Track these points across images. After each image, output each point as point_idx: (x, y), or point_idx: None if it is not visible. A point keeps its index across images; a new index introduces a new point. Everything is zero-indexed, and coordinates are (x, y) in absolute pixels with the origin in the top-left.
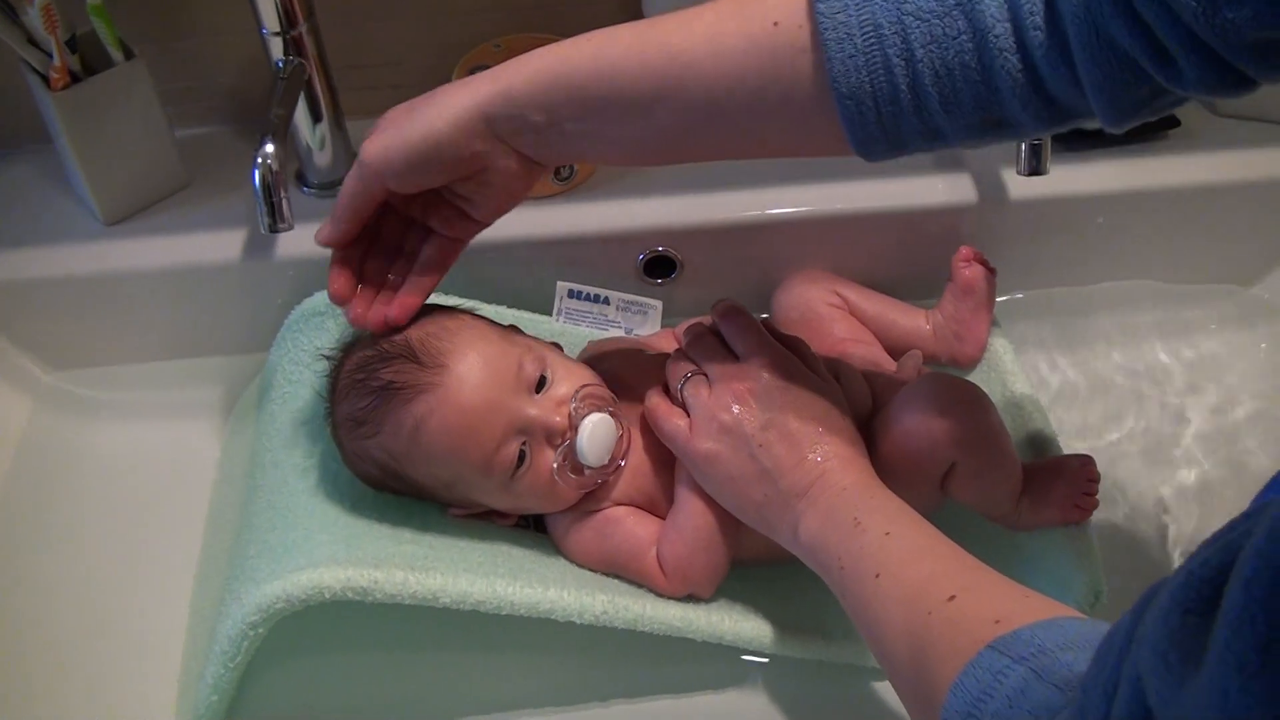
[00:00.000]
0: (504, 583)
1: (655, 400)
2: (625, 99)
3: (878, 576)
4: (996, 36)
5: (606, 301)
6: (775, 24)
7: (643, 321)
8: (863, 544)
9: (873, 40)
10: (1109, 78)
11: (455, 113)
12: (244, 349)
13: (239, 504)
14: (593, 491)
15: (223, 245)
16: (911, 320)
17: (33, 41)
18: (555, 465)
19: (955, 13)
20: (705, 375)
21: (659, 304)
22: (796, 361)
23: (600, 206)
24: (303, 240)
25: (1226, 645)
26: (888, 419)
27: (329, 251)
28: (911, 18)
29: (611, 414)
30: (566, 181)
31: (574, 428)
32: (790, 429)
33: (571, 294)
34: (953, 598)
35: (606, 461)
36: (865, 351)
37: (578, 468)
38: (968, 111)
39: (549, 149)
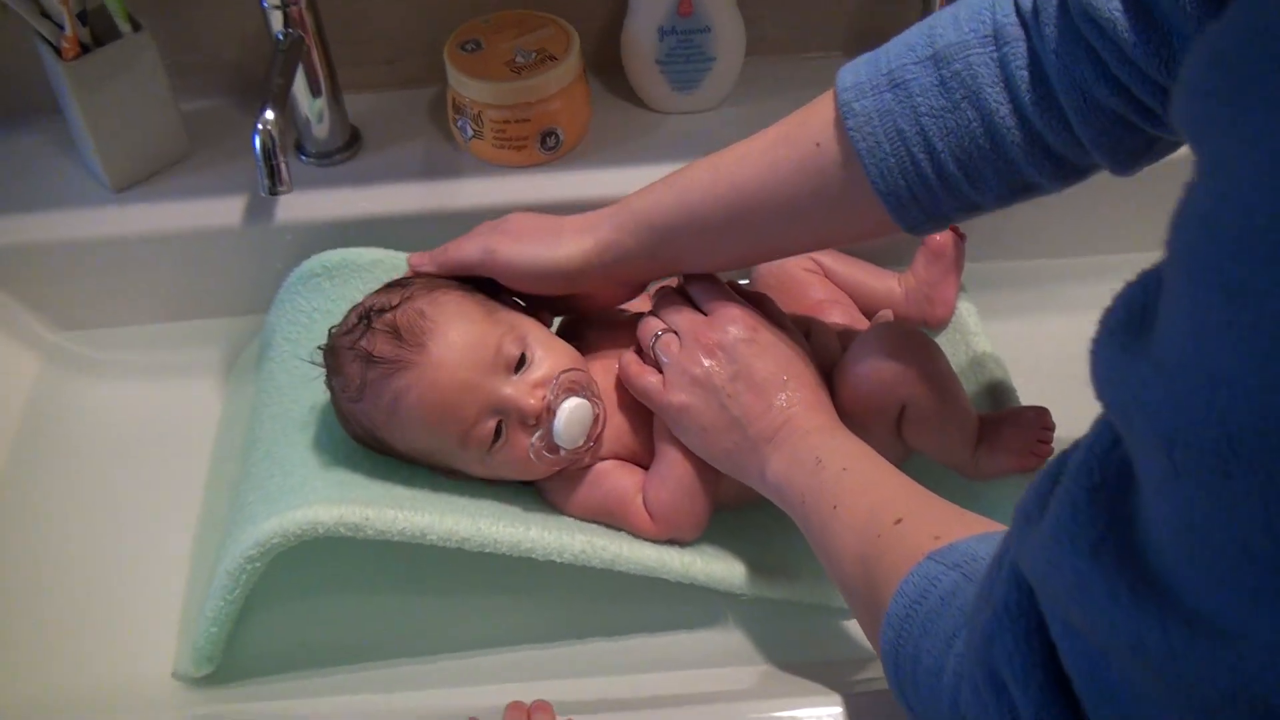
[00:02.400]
0: (488, 522)
1: (628, 359)
2: (707, 232)
3: (835, 508)
4: (1001, 118)
5: None
6: (818, 145)
7: None
8: (822, 480)
9: (899, 144)
10: (1104, 134)
11: (574, 251)
12: (244, 310)
13: (239, 457)
14: (591, 450)
15: (224, 211)
16: (883, 283)
17: (45, 14)
18: (532, 446)
19: (963, 105)
20: (675, 333)
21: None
22: (761, 316)
23: (584, 174)
24: (300, 205)
25: (1065, 489)
26: (844, 365)
27: (325, 216)
28: (927, 118)
29: (588, 398)
30: (553, 151)
31: (551, 411)
32: (757, 379)
33: None
34: (899, 520)
35: (581, 443)
36: (839, 312)
37: (553, 448)
38: (993, 183)
39: (644, 274)
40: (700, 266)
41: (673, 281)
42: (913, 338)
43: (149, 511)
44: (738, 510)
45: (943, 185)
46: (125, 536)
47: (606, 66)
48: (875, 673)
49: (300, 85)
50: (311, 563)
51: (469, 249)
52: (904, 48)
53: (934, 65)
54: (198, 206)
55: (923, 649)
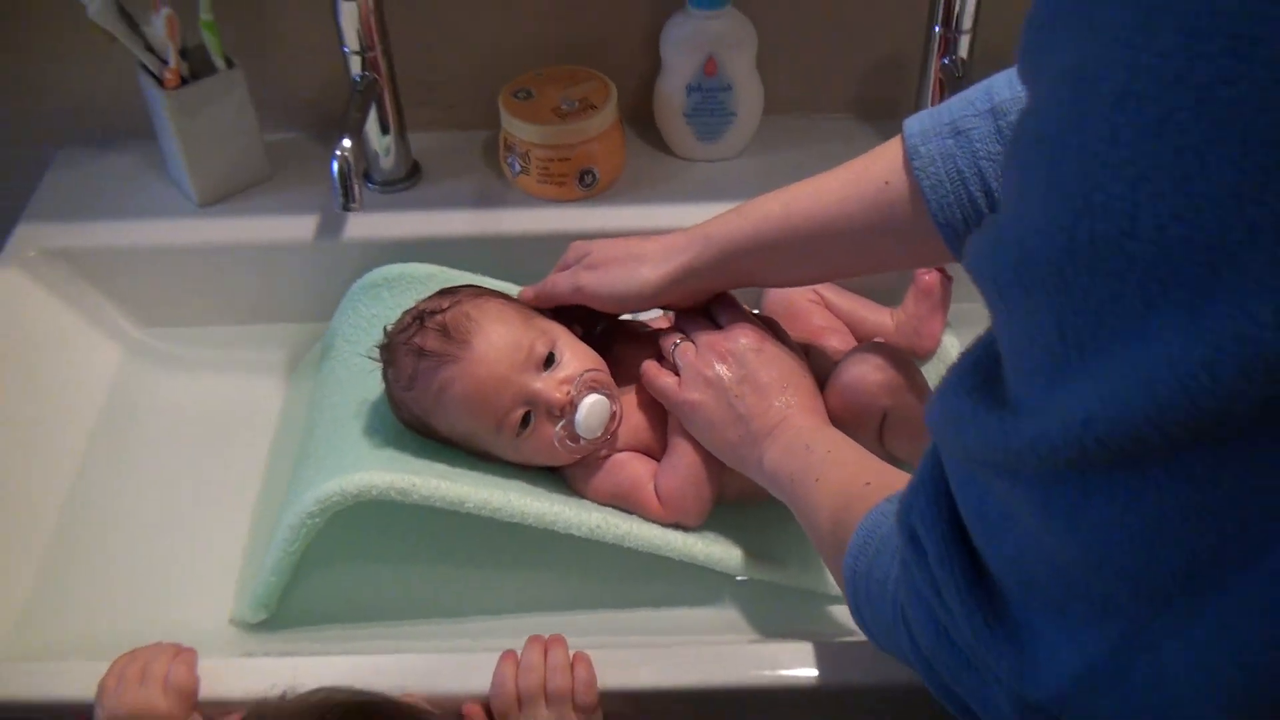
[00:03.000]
0: (517, 496)
1: (649, 363)
2: (777, 257)
3: (817, 480)
4: None
5: None
6: (886, 183)
7: None
8: (809, 461)
9: (958, 183)
10: None
11: (660, 275)
12: (308, 318)
13: (298, 441)
14: (609, 443)
15: (298, 227)
16: (877, 316)
17: (150, 49)
18: (556, 434)
19: None
20: (692, 342)
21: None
22: (768, 332)
23: (616, 210)
24: (365, 225)
25: (956, 364)
26: (836, 374)
27: (386, 236)
28: (984, 161)
29: (606, 395)
30: (590, 189)
31: (574, 405)
32: (761, 382)
33: None
34: (868, 484)
35: (599, 434)
36: (836, 339)
37: (575, 438)
38: None
39: (712, 290)
40: (765, 284)
41: None
42: (896, 355)
43: (214, 486)
44: (738, 504)
45: None
46: (192, 507)
47: (640, 117)
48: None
49: (372, 123)
50: (359, 529)
51: (561, 285)
52: (964, 102)
53: (991, 117)
54: (274, 222)
55: (874, 566)
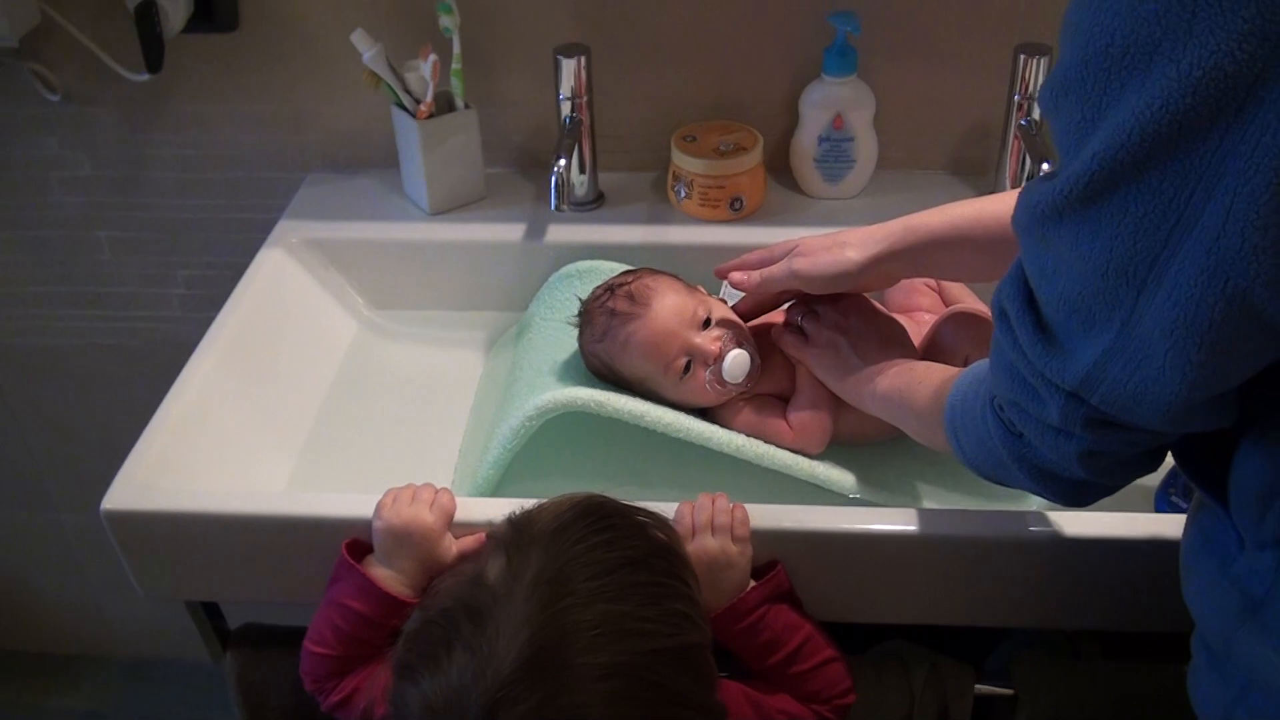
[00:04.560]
0: (684, 419)
1: (779, 328)
2: (967, 254)
3: (920, 383)
4: None
5: None
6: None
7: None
8: (911, 378)
9: None
10: None
11: (862, 258)
12: (507, 308)
13: (502, 389)
14: (746, 391)
15: (507, 232)
16: (975, 304)
17: (408, 90)
18: (709, 378)
19: None
20: (814, 311)
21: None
22: (873, 304)
23: (759, 229)
24: (561, 234)
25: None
26: (932, 328)
27: (588, 241)
28: None
29: (748, 350)
30: (738, 213)
31: (722, 356)
32: (869, 336)
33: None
34: (958, 373)
35: (741, 380)
36: (929, 318)
37: (722, 382)
38: None
39: (912, 273)
40: (945, 276)
41: None
42: (978, 317)
43: (426, 432)
44: (850, 446)
45: None
46: (409, 448)
47: (777, 165)
48: None
49: (570, 165)
50: (553, 447)
51: (777, 273)
52: None
53: None
54: (488, 228)
55: (967, 402)
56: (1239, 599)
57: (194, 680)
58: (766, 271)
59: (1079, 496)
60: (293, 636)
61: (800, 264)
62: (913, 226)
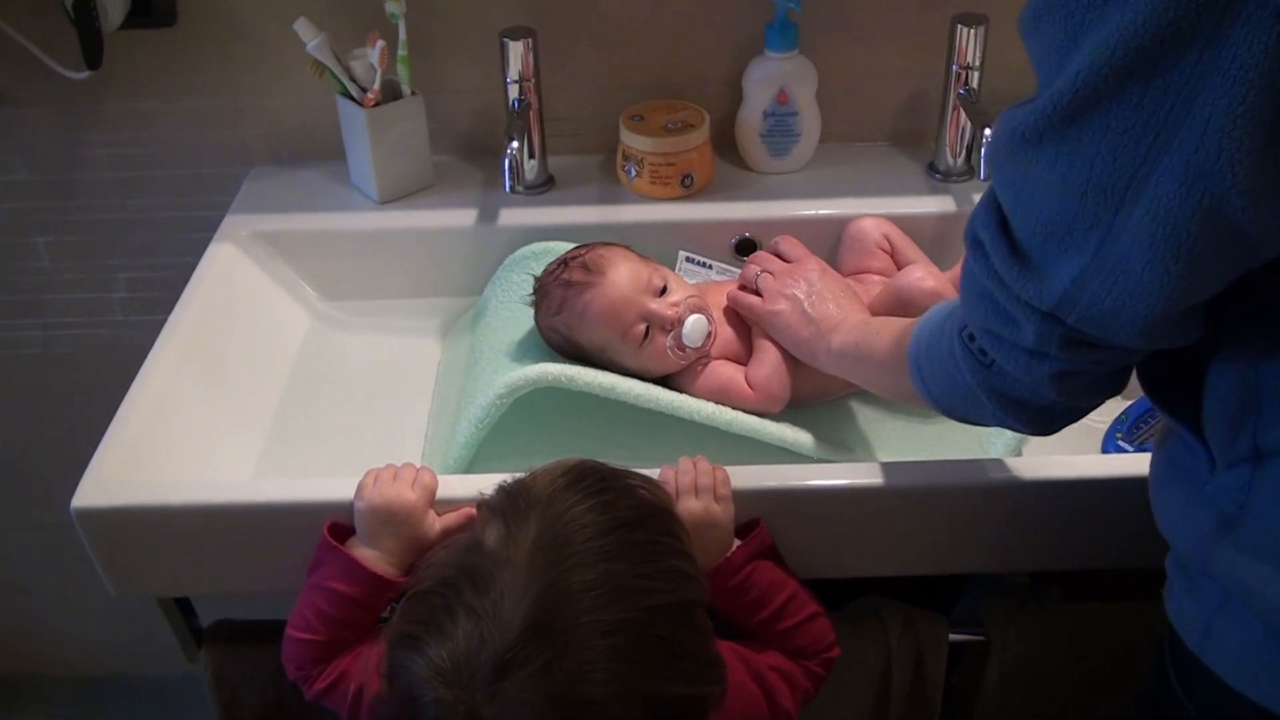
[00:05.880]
0: (653, 390)
1: (736, 289)
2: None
3: (877, 334)
4: None
5: (710, 267)
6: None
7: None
8: (867, 331)
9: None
10: None
11: None
12: (460, 293)
13: (464, 373)
14: (704, 356)
15: (457, 217)
16: (927, 268)
17: (353, 79)
18: (668, 344)
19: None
20: (770, 272)
21: None
22: (827, 264)
23: (709, 205)
24: (513, 217)
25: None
26: (892, 282)
27: (540, 224)
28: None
29: (705, 314)
30: (688, 189)
31: (680, 321)
32: (824, 295)
33: (688, 259)
34: (916, 321)
35: (700, 344)
36: (877, 286)
37: (682, 347)
38: None
39: None
40: None
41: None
42: (935, 273)
43: (389, 419)
44: (809, 407)
45: None
46: (373, 435)
47: (722, 141)
48: None
49: (523, 149)
50: (521, 424)
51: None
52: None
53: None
54: (438, 214)
55: (932, 344)
56: (1213, 517)
57: (146, 697)
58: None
59: (1047, 423)
60: (267, 631)
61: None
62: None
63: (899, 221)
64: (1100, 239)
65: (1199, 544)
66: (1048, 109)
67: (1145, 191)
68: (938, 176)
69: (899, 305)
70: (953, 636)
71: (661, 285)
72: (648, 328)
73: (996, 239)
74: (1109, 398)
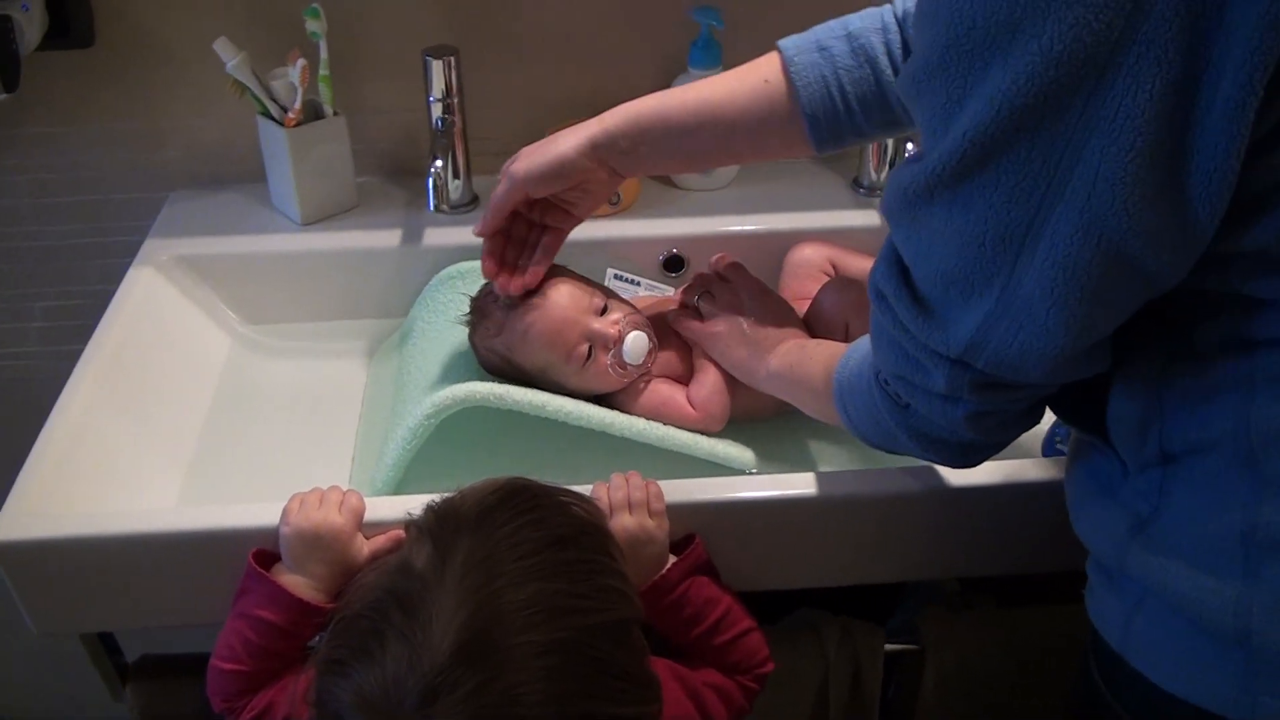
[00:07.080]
0: (585, 408)
1: (677, 311)
2: (672, 131)
3: (811, 358)
4: (885, 75)
5: (638, 284)
6: (766, 80)
7: None
8: (803, 355)
9: (821, 85)
10: None
11: (574, 143)
12: (385, 314)
13: (391, 396)
14: (646, 374)
15: (381, 238)
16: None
17: (274, 99)
18: (610, 362)
19: (864, 65)
20: (710, 293)
21: (672, 290)
22: (766, 286)
23: (637, 222)
24: (438, 236)
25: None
26: (814, 301)
27: (465, 243)
28: (843, 71)
29: (646, 332)
30: (616, 206)
31: (621, 339)
32: (763, 317)
33: (615, 277)
34: (845, 350)
35: (641, 361)
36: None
37: (623, 365)
38: (876, 118)
39: (629, 165)
40: (668, 166)
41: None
42: (857, 285)
43: (314, 443)
44: (748, 424)
45: (847, 115)
46: (299, 459)
47: None
48: None
49: (447, 168)
50: (451, 444)
51: (498, 190)
52: (826, 30)
53: (847, 40)
54: (362, 235)
55: (854, 376)
56: (1128, 519)
57: None
58: (493, 196)
59: (966, 458)
60: (194, 664)
61: (517, 167)
62: (621, 109)
63: (826, 236)
64: (1002, 286)
65: (1115, 546)
66: (937, 168)
67: (1042, 239)
68: (862, 191)
69: (827, 313)
70: (889, 646)
71: (602, 305)
72: (590, 347)
73: (899, 290)
74: (1027, 430)
